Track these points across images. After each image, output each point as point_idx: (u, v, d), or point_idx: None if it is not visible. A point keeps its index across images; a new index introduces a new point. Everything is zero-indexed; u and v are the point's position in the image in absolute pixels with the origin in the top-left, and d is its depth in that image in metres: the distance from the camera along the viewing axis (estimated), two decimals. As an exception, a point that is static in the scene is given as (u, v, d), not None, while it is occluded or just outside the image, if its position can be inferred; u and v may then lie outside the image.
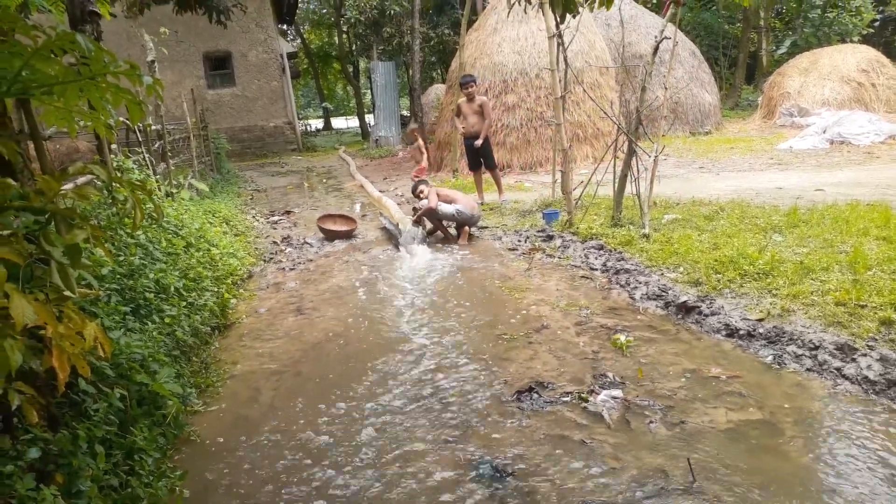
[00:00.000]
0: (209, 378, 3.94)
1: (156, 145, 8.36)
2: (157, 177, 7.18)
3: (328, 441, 3.18)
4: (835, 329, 3.85)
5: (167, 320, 4.00)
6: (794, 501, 2.49)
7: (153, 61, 9.37)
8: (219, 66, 22.56)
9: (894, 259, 4.68)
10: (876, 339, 3.64)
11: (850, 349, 3.56)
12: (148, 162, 7.13)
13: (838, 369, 3.44)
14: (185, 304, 4.40)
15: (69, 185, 3.19)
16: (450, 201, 7.26)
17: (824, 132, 13.19)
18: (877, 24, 26.75)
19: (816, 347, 3.65)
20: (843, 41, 22.70)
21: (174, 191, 7.78)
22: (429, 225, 7.63)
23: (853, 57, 17.60)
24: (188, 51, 21.34)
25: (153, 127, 8.27)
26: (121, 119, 5.84)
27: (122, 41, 18.06)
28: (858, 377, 3.33)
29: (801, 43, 24.43)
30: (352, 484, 2.80)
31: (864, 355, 3.47)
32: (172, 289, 4.39)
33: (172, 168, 8.68)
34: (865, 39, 23.82)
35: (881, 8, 26.92)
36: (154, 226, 5.19)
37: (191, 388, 3.65)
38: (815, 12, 25.09)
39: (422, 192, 7.60)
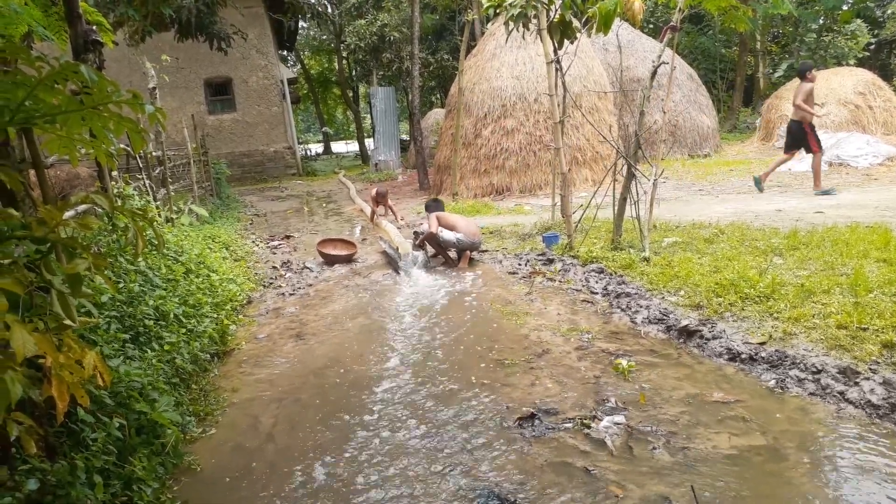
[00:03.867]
0: (208, 406, 3.92)
1: (156, 171, 8.40)
2: (158, 203, 7.21)
3: (328, 471, 3.14)
4: (837, 352, 3.83)
5: (166, 347, 3.99)
6: (799, 529, 2.46)
7: (154, 88, 9.47)
8: (219, 92, 22.73)
9: (895, 281, 4.68)
10: (878, 363, 3.62)
11: (852, 373, 3.54)
12: (148, 188, 7.16)
13: (841, 393, 3.42)
14: (184, 330, 4.39)
15: (70, 214, 3.19)
16: (451, 227, 7.26)
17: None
18: (872, 47, 27.00)
19: (819, 371, 3.63)
20: (840, 64, 22.88)
21: (174, 216, 7.81)
22: (430, 249, 7.63)
23: (850, 80, 17.75)
24: (189, 77, 21.52)
25: (154, 153, 8.32)
26: (122, 146, 5.88)
27: (124, 68, 18.21)
28: (862, 401, 3.31)
29: (797, 66, 24.63)
30: (352, 513, 2.77)
31: (867, 379, 3.45)
32: (172, 315, 4.38)
33: (173, 194, 8.72)
34: (861, 62, 24.03)
35: (876, 31, 27.18)
36: (154, 252, 5.19)
37: (190, 417, 3.63)
38: (811, 36, 25.34)
39: (426, 216, 7.68)
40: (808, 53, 24.91)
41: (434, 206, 7.84)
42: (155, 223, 5.62)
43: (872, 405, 3.26)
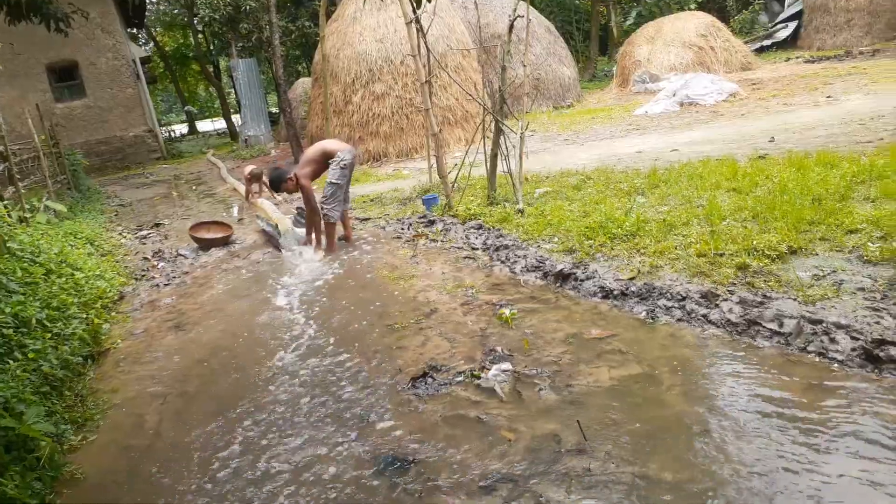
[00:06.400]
0: (87, 411, 3.69)
1: (-1, 168, 7.71)
2: (6, 202, 6.63)
3: (221, 459, 3.06)
4: (699, 279, 4.13)
5: (31, 355, 3.70)
6: (678, 443, 2.66)
7: (-16, 77, 8.61)
8: (65, 77, 20.97)
9: (744, 208, 5.09)
10: (735, 284, 3.95)
11: (713, 296, 3.84)
12: (-9, 187, 6.57)
13: (704, 316, 3.70)
14: (50, 335, 4.08)
15: None
16: (321, 157, 6.62)
17: (674, 95, 14.06)
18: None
19: (684, 298, 3.90)
20: (682, 9, 24.21)
21: (28, 215, 7.22)
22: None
23: (692, 23, 18.86)
24: (28, 63, 19.69)
25: (-8, 149, 7.62)
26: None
27: (-53, 58, 16.43)
28: (722, 321, 3.60)
29: (645, 13, 25.91)
30: (250, 497, 2.73)
31: (726, 300, 3.75)
32: (34, 321, 4.07)
33: (23, 191, 8.03)
34: (701, 6, 25.54)
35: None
36: (5, 256, 4.78)
37: (66, 425, 3.41)
38: (655, -17, 26.62)
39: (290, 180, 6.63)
40: (653, 0, 26.17)
41: (279, 172, 6.84)
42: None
43: (731, 323, 3.55)
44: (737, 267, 4.12)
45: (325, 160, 6.62)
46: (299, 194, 6.92)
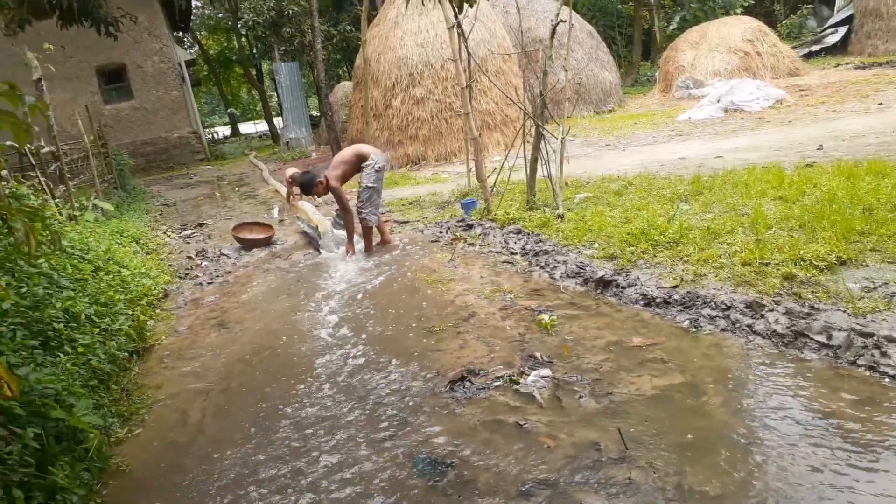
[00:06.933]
0: (132, 405, 3.78)
1: (52, 167, 7.94)
2: (57, 200, 6.83)
3: (262, 456, 3.10)
4: (743, 288, 4.05)
5: (80, 349, 3.81)
6: (720, 456, 2.61)
7: (40, 79, 8.88)
8: (114, 80, 21.56)
9: (791, 217, 4.98)
10: (781, 294, 3.86)
11: (758, 306, 3.76)
12: (44, 186, 6.76)
13: (749, 326, 3.63)
14: (98, 330, 4.19)
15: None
16: (355, 160, 6.67)
17: (718, 101, 13.84)
18: (756, -5, 28.20)
19: (728, 308, 3.83)
20: (728, 14, 23.81)
21: (77, 213, 7.43)
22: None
23: (738, 28, 18.55)
24: (79, 66, 20.27)
25: (45, 149, 7.85)
26: (6, 144, 5.51)
27: (4, 60, 16.99)
28: (768, 332, 3.52)
29: (689, 17, 25.53)
30: (291, 497, 2.75)
31: (772, 311, 3.67)
32: (83, 316, 4.18)
33: (73, 190, 8.27)
34: (748, 11, 25.09)
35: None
36: (57, 252, 4.92)
37: (113, 418, 3.49)
38: (700, -12, 26.22)
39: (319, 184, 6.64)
40: (698, 5, 25.79)
41: (309, 176, 6.77)
42: (52, 220, 5.34)
43: (778, 334, 3.47)
44: (783, 277, 4.04)
45: (358, 163, 6.68)
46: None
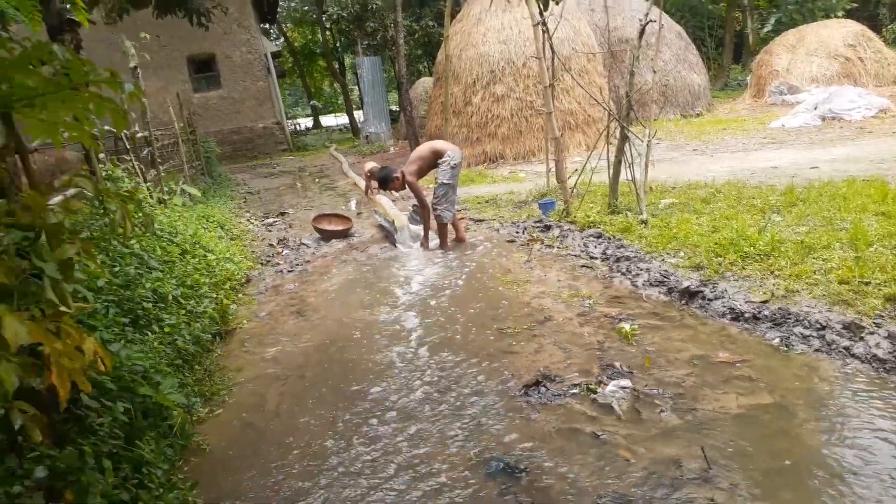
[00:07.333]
0: (214, 386, 3.89)
1: (144, 152, 8.28)
2: (148, 184, 7.11)
3: (336, 446, 3.13)
4: (840, 308, 3.83)
5: (167, 329, 3.94)
6: (809, 484, 2.46)
7: (136, 67, 9.27)
8: (203, 69, 22.37)
9: (894, 234, 4.66)
10: (882, 316, 3.62)
11: (857, 328, 3.54)
12: (137, 169, 7.05)
13: (847, 348, 3.41)
14: (184, 311, 4.33)
15: (57, 199, 3.12)
16: (432, 157, 6.72)
17: (815, 109, 13.19)
18: (860, -3, 26.72)
19: (823, 327, 3.62)
20: (828, 16, 22.65)
21: (166, 197, 7.71)
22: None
23: (839, 32, 17.61)
24: (172, 55, 21.13)
25: (140, 134, 8.19)
26: (105, 128, 5.76)
27: (104, 48, 17.84)
28: (868, 356, 3.30)
29: (785, 20, 24.38)
30: (362, 489, 2.76)
31: (872, 333, 3.44)
32: (170, 297, 4.33)
33: (163, 174, 8.60)
34: (849, 14, 23.78)
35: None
36: (148, 234, 5.12)
37: (195, 398, 3.60)
38: (799, -11, 25.04)
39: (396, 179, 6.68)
40: (795, 6, 24.63)
41: (386, 172, 6.83)
42: (144, 204, 5.55)
43: (878, 359, 3.25)
44: (885, 298, 3.78)
45: (434, 159, 6.71)
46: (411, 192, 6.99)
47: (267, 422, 3.46)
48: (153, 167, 8.36)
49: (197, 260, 5.50)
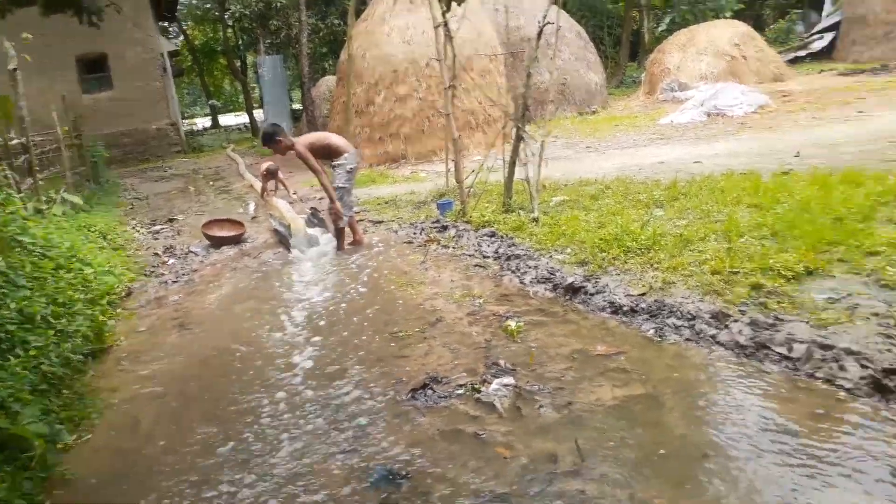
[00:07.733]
0: (83, 410, 3.65)
1: (21, 159, 7.78)
2: (22, 194, 6.67)
3: (211, 464, 3.02)
4: (711, 297, 4.00)
5: (32, 353, 3.68)
6: (677, 468, 2.57)
7: (15, 69, 8.68)
8: (94, 69, 21.24)
9: (763, 225, 4.93)
10: (747, 304, 3.82)
11: (723, 316, 3.72)
12: (11, 179, 6.61)
13: (713, 336, 3.59)
14: (53, 332, 4.06)
15: None
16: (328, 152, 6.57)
17: (702, 105, 13.83)
18: (747, -1, 28.27)
19: (693, 318, 3.79)
20: (717, 17, 23.84)
21: (44, 207, 7.27)
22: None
23: (727, 32, 18.56)
24: (59, 55, 19.85)
25: (15, 140, 7.69)
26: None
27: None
28: (731, 343, 3.48)
29: (678, 20, 25.51)
30: (238, 506, 2.68)
31: (736, 321, 3.63)
32: (39, 317, 4.06)
33: (41, 182, 8.10)
34: (737, 15, 25.12)
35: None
36: (17, 249, 4.79)
37: (60, 425, 3.37)
38: (691, -10, 26.23)
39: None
40: (688, 7, 25.79)
41: (275, 128, 6.59)
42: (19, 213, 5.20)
43: (740, 345, 3.43)
44: (751, 286, 3.98)
45: (324, 152, 6.51)
46: (319, 192, 6.75)
47: (140, 445, 3.29)
48: (30, 175, 7.86)
49: (72, 274, 5.19)
